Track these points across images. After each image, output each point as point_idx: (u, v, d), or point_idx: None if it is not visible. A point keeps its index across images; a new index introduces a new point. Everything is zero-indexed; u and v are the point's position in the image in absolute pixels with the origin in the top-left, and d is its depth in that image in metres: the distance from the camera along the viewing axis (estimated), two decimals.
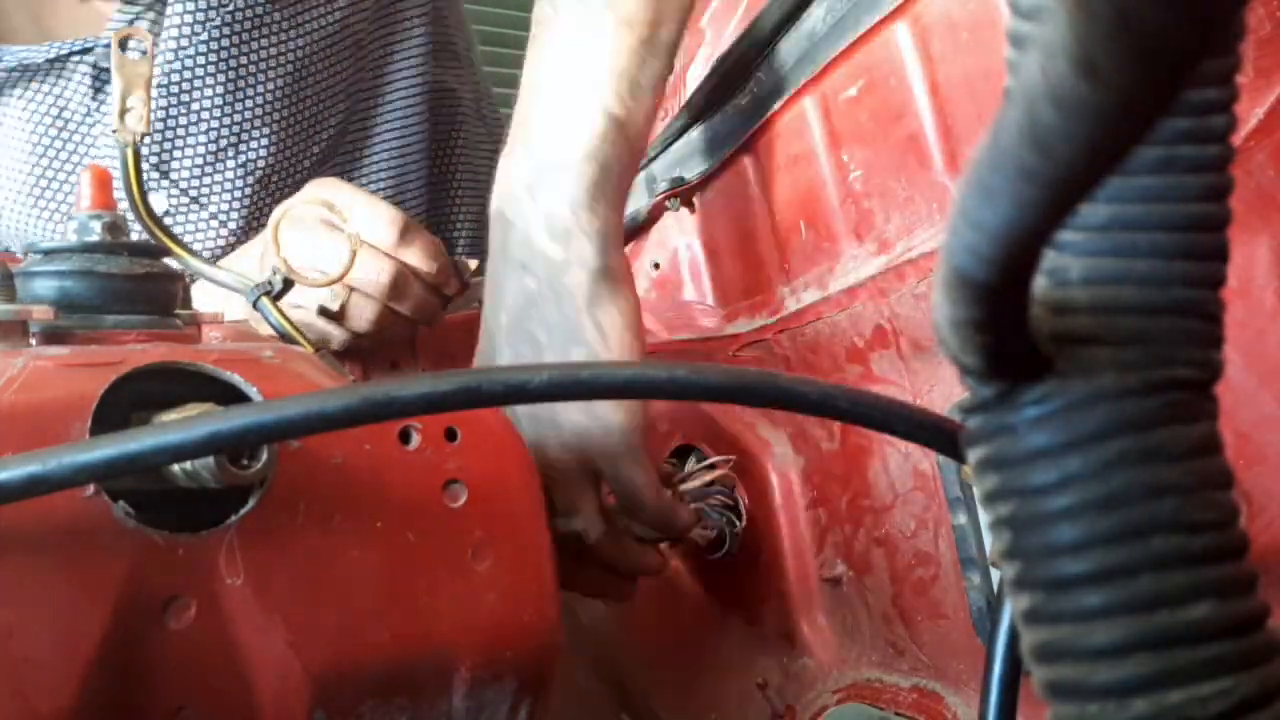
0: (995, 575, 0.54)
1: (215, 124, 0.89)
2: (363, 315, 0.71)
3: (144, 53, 0.48)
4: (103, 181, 0.44)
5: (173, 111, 0.89)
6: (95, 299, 0.42)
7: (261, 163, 0.92)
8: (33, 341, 0.40)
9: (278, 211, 0.52)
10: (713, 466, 0.65)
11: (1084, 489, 0.21)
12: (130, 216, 0.47)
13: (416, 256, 0.71)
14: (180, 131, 0.90)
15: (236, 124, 0.90)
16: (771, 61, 0.62)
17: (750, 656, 0.70)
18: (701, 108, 0.68)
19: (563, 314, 0.53)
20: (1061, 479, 0.21)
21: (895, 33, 0.54)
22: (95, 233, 0.43)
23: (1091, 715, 0.21)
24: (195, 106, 0.89)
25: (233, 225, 0.93)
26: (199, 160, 0.90)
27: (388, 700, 0.39)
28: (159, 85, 0.87)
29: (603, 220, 0.53)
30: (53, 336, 0.41)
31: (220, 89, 0.88)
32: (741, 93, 0.65)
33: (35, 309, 0.40)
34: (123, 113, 0.47)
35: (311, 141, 0.96)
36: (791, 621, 0.68)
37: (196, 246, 0.92)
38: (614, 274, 0.54)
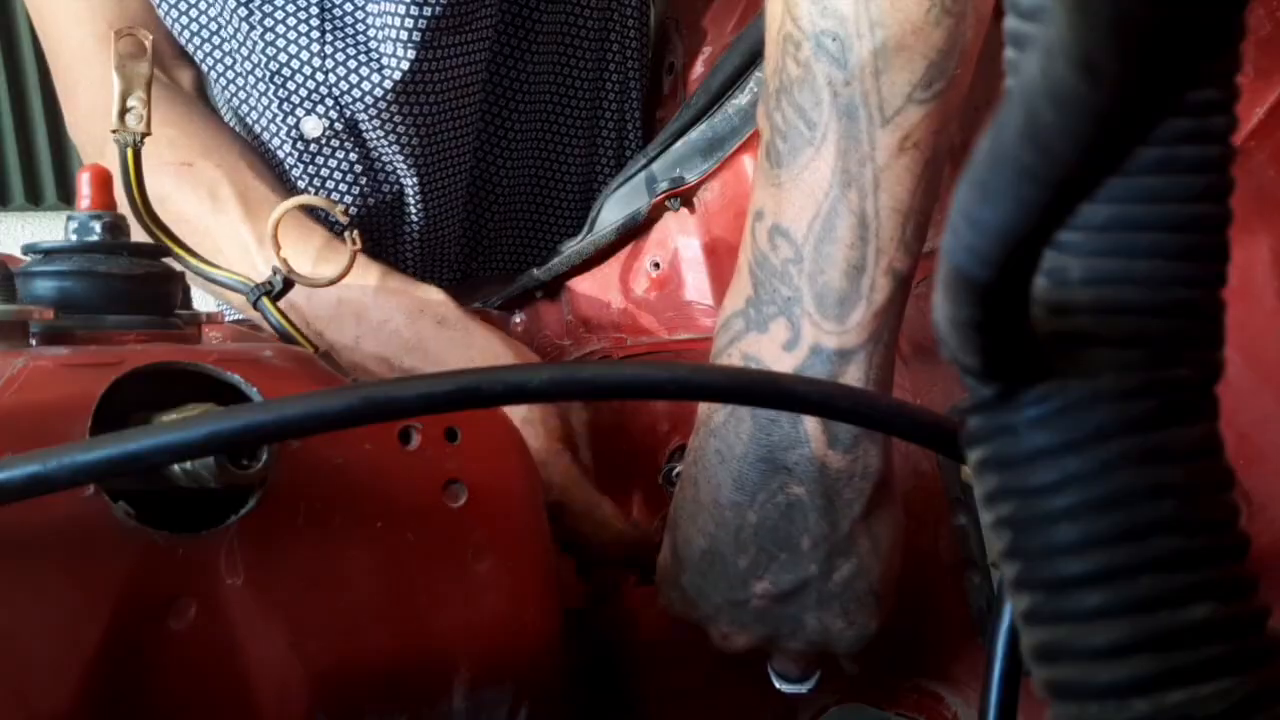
0: (995, 575, 0.54)
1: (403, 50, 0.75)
2: None
3: (144, 52, 0.48)
4: (103, 181, 0.45)
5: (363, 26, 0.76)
6: (95, 299, 0.42)
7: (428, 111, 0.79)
8: (33, 342, 0.40)
9: (277, 211, 0.52)
10: None
11: (1084, 489, 0.21)
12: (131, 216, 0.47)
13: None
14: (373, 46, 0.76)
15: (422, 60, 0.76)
16: None
17: (750, 656, 0.70)
18: (701, 108, 0.68)
19: (834, 526, 0.48)
20: (1061, 479, 0.21)
21: None
22: (95, 233, 0.43)
23: (1092, 715, 0.21)
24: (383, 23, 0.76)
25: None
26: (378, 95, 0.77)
27: (388, 700, 0.39)
28: None
29: (882, 440, 0.48)
30: (53, 336, 0.41)
31: None
32: (741, 93, 0.65)
33: (35, 309, 0.40)
34: (122, 113, 0.47)
35: (469, 97, 0.81)
36: None
37: (320, 159, 0.79)
38: (891, 480, 0.49)
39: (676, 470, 0.69)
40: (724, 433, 0.49)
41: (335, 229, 0.78)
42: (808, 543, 0.48)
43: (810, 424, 0.46)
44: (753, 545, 0.49)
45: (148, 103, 0.47)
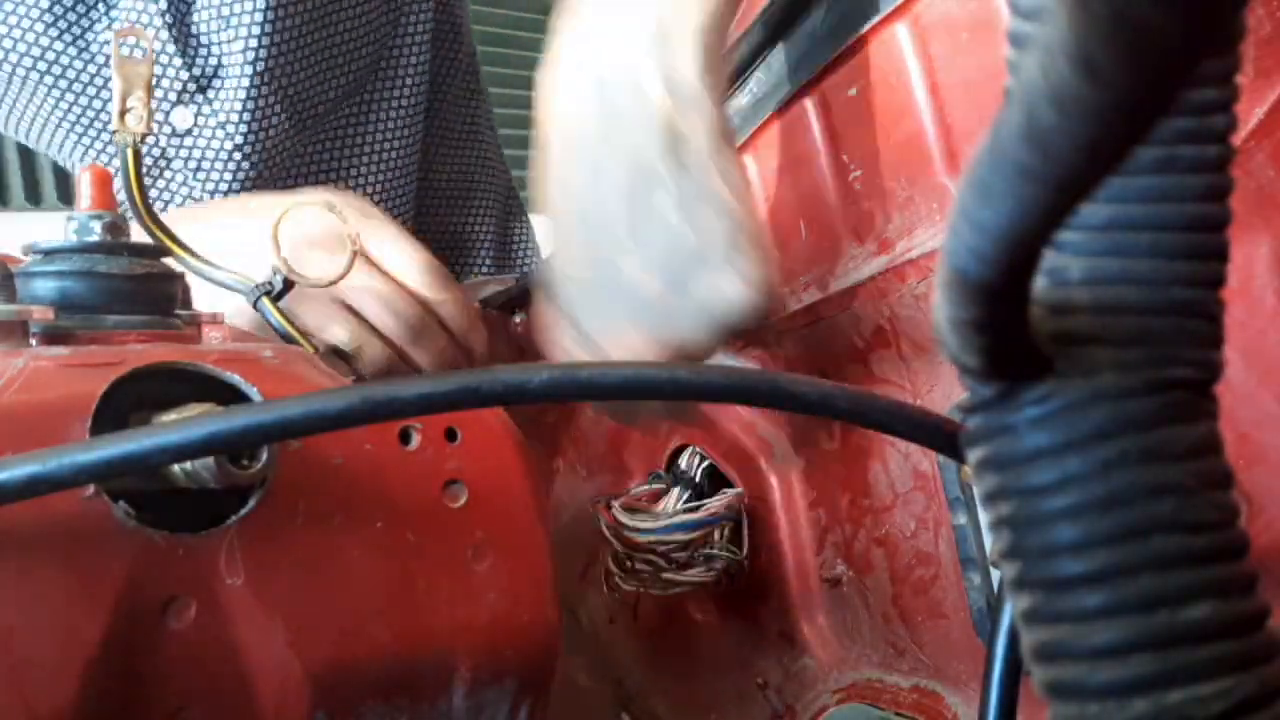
0: (995, 575, 0.54)
1: (254, 43, 0.88)
2: (375, 360, 0.67)
3: (145, 52, 0.48)
4: (103, 181, 0.45)
5: (214, 24, 0.88)
6: (95, 299, 0.42)
7: (293, 90, 0.92)
8: (33, 341, 0.40)
9: (277, 211, 0.52)
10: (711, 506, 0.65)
11: (1084, 489, 0.21)
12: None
13: (446, 307, 0.69)
14: (222, 49, 0.89)
15: (275, 44, 0.89)
16: (771, 61, 0.62)
17: (750, 656, 0.70)
18: None
19: (681, 167, 0.49)
20: (1061, 479, 0.21)
21: (895, 33, 0.54)
22: (95, 233, 0.43)
23: (1092, 715, 0.21)
24: (234, 21, 0.88)
25: (255, 159, 0.92)
26: (235, 84, 0.90)
27: (388, 700, 0.39)
28: None
29: (721, 86, 0.51)
30: (53, 336, 0.41)
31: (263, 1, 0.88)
32: (742, 92, 0.65)
33: (35, 309, 0.40)
34: (123, 113, 0.47)
35: (339, 74, 0.95)
36: (791, 621, 0.68)
37: (213, 178, 0.92)
38: (730, 134, 0.51)
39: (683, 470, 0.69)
40: (580, 109, 0.50)
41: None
42: (663, 195, 0.48)
43: (650, 77, 0.48)
44: (615, 215, 0.49)
45: (147, 103, 0.47)
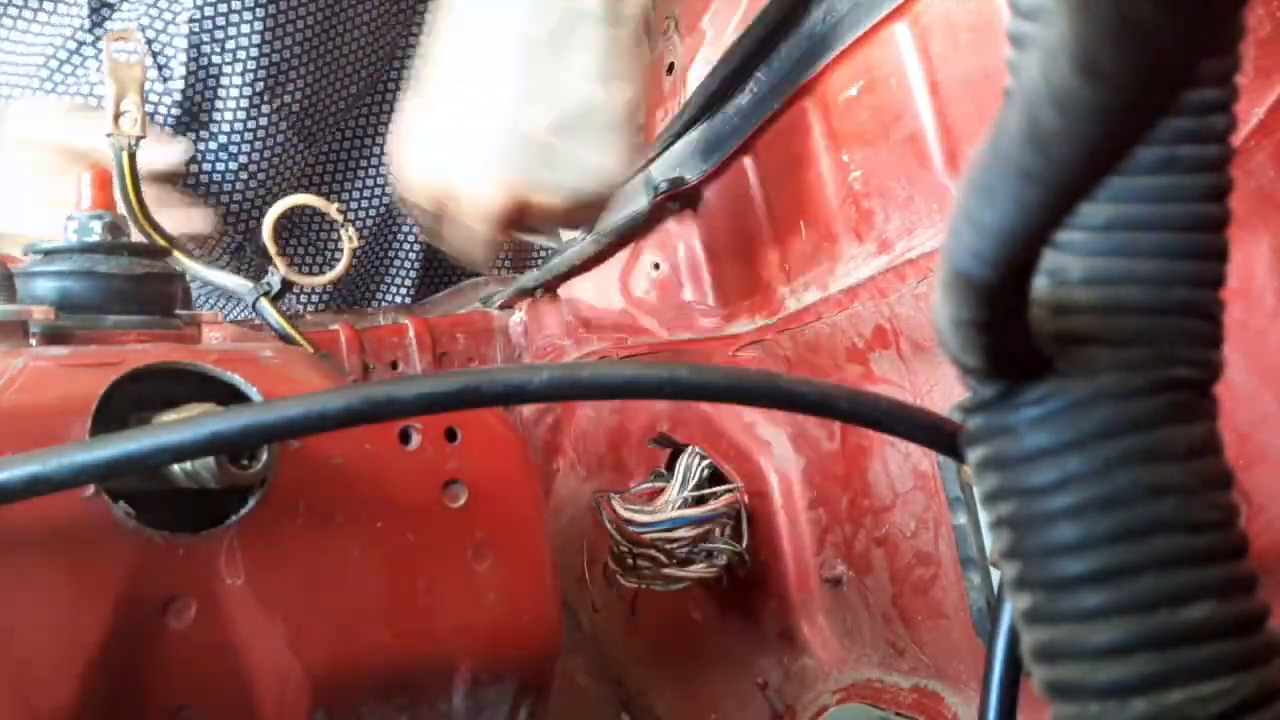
0: (995, 575, 0.54)
1: (253, 65, 0.86)
2: None
3: (138, 56, 0.48)
4: (103, 182, 0.45)
5: (205, 50, 0.86)
6: (95, 299, 0.42)
7: (296, 106, 0.90)
8: (33, 341, 0.40)
9: (273, 212, 0.52)
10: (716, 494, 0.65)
11: (1084, 489, 0.21)
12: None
13: None
14: (214, 71, 0.87)
15: (274, 64, 0.87)
16: (771, 61, 0.62)
17: (750, 656, 0.70)
18: (701, 108, 0.68)
19: (615, 40, 0.52)
20: (1062, 479, 0.21)
21: (895, 33, 0.54)
22: (95, 233, 0.43)
23: (1092, 715, 0.21)
24: (231, 45, 0.86)
25: (261, 177, 0.91)
26: (234, 105, 0.88)
27: (388, 700, 0.39)
28: (193, 21, 0.85)
29: None
30: (53, 336, 0.41)
31: (259, 24, 0.85)
32: (741, 93, 0.65)
33: (35, 309, 0.40)
34: (117, 116, 0.47)
35: (347, 82, 0.93)
36: (791, 621, 0.68)
37: (223, 199, 0.91)
38: (652, 17, 0.54)
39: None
40: None
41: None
42: (590, 59, 0.49)
43: None
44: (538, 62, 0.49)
45: (140, 105, 0.47)
